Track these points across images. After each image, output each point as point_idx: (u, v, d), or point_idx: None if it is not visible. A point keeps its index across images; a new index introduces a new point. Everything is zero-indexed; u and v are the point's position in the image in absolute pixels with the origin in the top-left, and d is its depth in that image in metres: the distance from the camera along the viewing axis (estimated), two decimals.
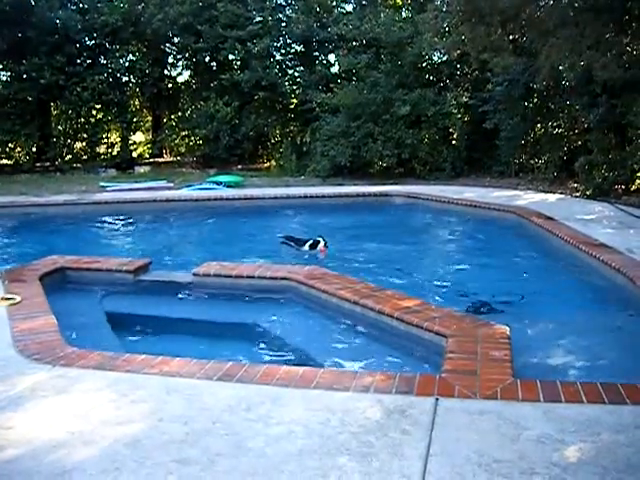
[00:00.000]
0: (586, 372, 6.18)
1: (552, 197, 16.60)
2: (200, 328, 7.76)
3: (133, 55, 27.00)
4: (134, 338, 7.52)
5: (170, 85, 29.74)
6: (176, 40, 27.67)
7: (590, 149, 17.03)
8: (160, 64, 28.41)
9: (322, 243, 11.35)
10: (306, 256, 11.30)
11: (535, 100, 20.53)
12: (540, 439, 4.09)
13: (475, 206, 15.30)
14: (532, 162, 20.71)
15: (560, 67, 16.36)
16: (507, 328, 6.19)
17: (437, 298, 8.73)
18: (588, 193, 16.10)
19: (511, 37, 18.47)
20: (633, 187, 16.50)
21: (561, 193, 17.15)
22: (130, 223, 15.80)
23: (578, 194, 16.58)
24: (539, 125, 20.91)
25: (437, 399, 4.66)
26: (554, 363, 6.54)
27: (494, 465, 3.78)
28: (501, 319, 6.71)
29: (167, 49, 28.70)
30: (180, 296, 8.63)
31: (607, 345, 6.93)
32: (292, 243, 11.96)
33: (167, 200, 16.98)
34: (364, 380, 5.04)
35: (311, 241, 11.49)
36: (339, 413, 4.47)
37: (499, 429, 4.24)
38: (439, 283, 10.05)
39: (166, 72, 29.43)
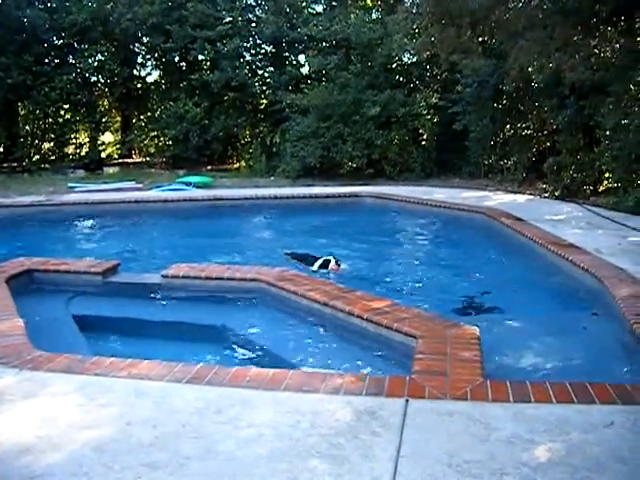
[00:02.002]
0: (555, 372, 6.19)
1: (521, 198, 16.71)
2: (169, 330, 7.69)
3: (102, 55, 26.81)
4: (103, 341, 7.44)
5: (139, 85, 29.71)
6: (145, 40, 27.63)
7: (559, 150, 17.18)
8: (129, 64, 28.35)
9: (333, 261, 10.47)
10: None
11: (504, 101, 20.66)
12: (510, 439, 4.09)
13: (444, 207, 15.35)
14: (501, 163, 20.82)
15: (529, 69, 16.49)
16: (477, 329, 6.20)
17: (406, 298, 8.72)
18: (557, 194, 16.23)
19: (480, 39, 18.58)
20: (601, 188, 16.64)
21: (530, 194, 17.26)
22: (99, 224, 15.67)
23: (547, 195, 16.71)
24: (508, 126, 21.02)
25: (407, 400, 4.65)
26: (523, 363, 6.56)
27: (464, 466, 3.78)
28: (470, 320, 6.71)
29: (136, 49, 28.68)
30: (149, 298, 8.55)
31: (576, 345, 6.96)
32: (300, 261, 11.05)
33: (136, 201, 16.87)
34: (334, 382, 5.02)
35: (320, 261, 10.58)
36: (309, 415, 4.44)
37: (469, 430, 4.24)
38: (408, 284, 10.07)
39: (135, 72, 29.42)
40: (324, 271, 10.36)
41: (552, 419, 4.36)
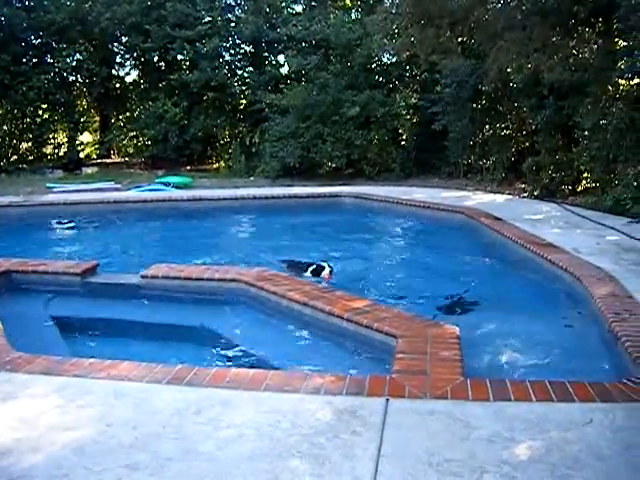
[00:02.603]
0: (534, 370, 6.22)
1: (500, 197, 16.78)
2: (149, 331, 7.65)
3: (80, 54, 26.62)
4: (82, 342, 7.39)
5: (118, 85, 29.56)
6: (124, 39, 27.46)
7: (537, 150, 17.24)
8: (108, 64, 28.18)
9: (327, 270, 9.75)
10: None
11: (483, 102, 20.72)
12: (490, 438, 4.11)
13: (424, 207, 15.38)
14: (480, 163, 20.89)
15: (508, 69, 16.54)
16: (456, 328, 6.22)
17: (385, 297, 8.73)
18: (535, 193, 16.31)
19: (460, 39, 18.68)
20: (579, 187, 16.74)
21: (509, 194, 17.34)
22: (78, 225, 15.57)
23: (526, 194, 16.79)
24: (487, 126, 21.09)
25: (388, 400, 4.66)
26: (502, 362, 6.58)
27: (445, 464, 3.79)
28: (449, 319, 6.72)
29: (115, 48, 28.51)
30: (128, 299, 8.51)
31: (555, 343, 6.99)
32: (293, 268, 10.31)
33: (115, 201, 16.78)
34: (314, 382, 5.02)
35: (314, 266, 9.92)
36: (290, 415, 4.44)
37: (449, 428, 4.25)
38: (387, 283, 10.09)
39: (114, 72, 29.25)
40: (316, 279, 9.53)
41: (532, 417, 4.38)
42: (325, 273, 9.71)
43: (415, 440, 4.10)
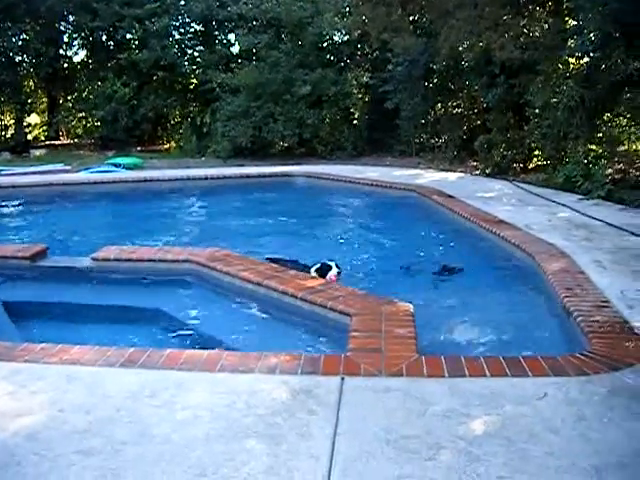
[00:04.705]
0: (489, 346, 6.26)
1: (452, 175, 16.85)
2: (101, 314, 7.54)
3: (26, 34, 26.21)
4: (33, 327, 7.26)
5: (66, 65, 29.14)
6: (71, 18, 27.13)
7: (489, 128, 17.36)
8: (55, 43, 27.76)
9: (334, 270, 8.27)
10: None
11: (435, 80, 20.81)
12: (446, 414, 4.12)
13: (377, 185, 15.38)
14: (432, 141, 21.01)
15: (459, 48, 16.58)
16: (410, 305, 6.22)
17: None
18: (487, 171, 16.42)
19: (411, 17, 18.67)
20: (531, 165, 16.91)
21: (461, 171, 17.44)
22: (26, 208, 15.29)
23: (478, 172, 16.91)
24: (439, 105, 21.21)
25: (343, 378, 4.64)
26: (457, 338, 6.62)
27: (401, 441, 3.79)
28: (403, 296, 6.72)
29: (62, 28, 28.07)
30: (80, 282, 8.38)
31: (509, 319, 7.04)
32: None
33: (64, 184, 16.50)
34: (269, 361, 4.99)
35: (318, 265, 8.40)
36: (245, 396, 4.41)
37: (405, 405, 4.25)
38: (339, 261, 10.07)
39: (61, 52, 28.81)
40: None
41: (486, 392, 4.40)
42: (332, 274, 8.24)
43: (371, 418, 4.09)
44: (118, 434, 3.94)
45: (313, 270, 8.36)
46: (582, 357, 5.01)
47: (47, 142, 28.84)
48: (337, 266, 8.34)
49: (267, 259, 9.00)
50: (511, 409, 4.19)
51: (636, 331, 5.53)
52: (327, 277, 8.12)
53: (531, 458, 3.63)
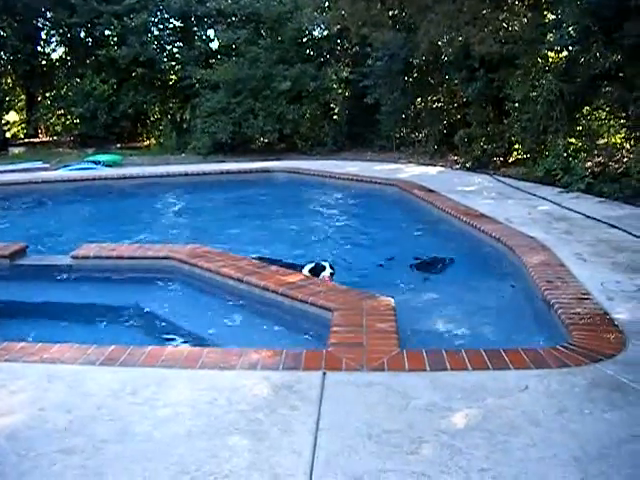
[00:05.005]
0: (470, 339, 6.27)
1: (433, 170, 16.86)
2: (81, 312, 7.51)
3: (3, 30, 25.97)
4: (12, 326, 7.21)
5: (44, 62, 28.89)
6: (49, 15, 26.88)
7: (469, 122, 17.37)
8: (33, 40, 27.52)
9: (328, 271, 8.00)
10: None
11: (415, 75, 20.76)
12: (428, 407, 4.12)
13: (357, 180, 15.37)
14: (413, 136, 21.01)
15: (439, 42, 16.57)
16: (392, 299, 6.23)
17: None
18: (468, 165, 16.43)
19: (390, 12, 18.64)
20: (511, 159, 16.93)
21: (442, 166, 17.44)
22: (5, 206, 15.18)
23: (458, 166, 16.91)
24: (419, 99, 21.17)
25: (324, 373, 4.64)
26: (439, 331, 6.62)
27: (384, 436, 3.79)
28: (385, 290, 6.72)
29: (40, 24, 27.81)
30: (60, 280, 8.34)
31: (490, 312, 7.06)
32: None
33: (44, 181, 16.43)
34: (250, 357, 4.98)
35: (312, 264, 8.18)
36: (226, 392, 4.40)
37: (387, 400, 4.25)
38: (320, 257, 10.05)
39: (39, 48, 28.51)
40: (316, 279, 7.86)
41: (468, 386, 4.41)
42: (325, 275, 7.98)
43: (353, 413, 4.09)
44: (99, 432, 3.92)
45: (306, 270, 8.09)
46: (563, 349, 5.03)
47: (26, 140, 28.67)
48: (331, 266, 8.15)
49: (255, 258, 8.65)
50: (493, 402, 4.20)
51: (616, 323, 5.56)
52: (320, 277, 7.87)
53: (513, 450, 3.64)
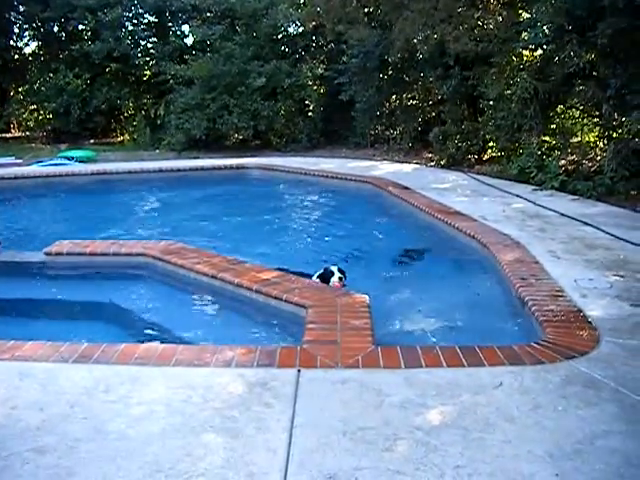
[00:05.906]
0: (445, 336, 6.27)
1: (408, 167, 16.89)
2: (55, 309, 7.46)
3: None
4: None
5: (16, 56, 28.55)
6: (22, 8, 26.64)
7: (444, 120, 17.42)
8: (5, 34, 27.18)
9: (337, 276, 7.67)
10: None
11: (390, 72, 20.77)
12: (403, 404, 4.13)
13: (332, 177, 15.36)
14: (387, 133, 21.06)
15: (414, 40, 16.58)
16: (366, 297, 6.24)
17: (294, 268, 8.66)
18: (442, 163, 16.47)
19: (366, 9, 18.65)
20: (485, 156, 17.00)
21: (416, 163, 17.50)
22: None
23: (433, 164, 16.96)
24: (394, 97, 21.22)
25: (299, 370, 4.63)
26: (413, 328, 6.63)
27: (359, 433, 3.79)
28: (360, 287, 6.72)
29: (12, 18, 27.50)
30: (32, 277, 8.26)
31: (465, 309, 7.07)
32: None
33: (16, 177, 16.24)
34: (225, 355, 4.96)
35: (321, 270, 7.81)
36: (201, 390, 4.38)
37: (362, 397, 4.25)
38: (294, 253, 10.05)
39: (12, 43, 28.20)
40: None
41: (443, 383, 4.42)
42: (335, 281, 7.67)
43: (328, 410, 4.08)
44: (72, 431, 3.90)
45: (315, 276, 7.79)
46: (537, 346, 5.06)
47: None
48: (340, 270, 7.80)
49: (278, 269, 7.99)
50: (467, 399, 4.21)
51: (590, 320, 5.59)
52: (330, 283, 7.59)
53: (487, 447, 3.66)
